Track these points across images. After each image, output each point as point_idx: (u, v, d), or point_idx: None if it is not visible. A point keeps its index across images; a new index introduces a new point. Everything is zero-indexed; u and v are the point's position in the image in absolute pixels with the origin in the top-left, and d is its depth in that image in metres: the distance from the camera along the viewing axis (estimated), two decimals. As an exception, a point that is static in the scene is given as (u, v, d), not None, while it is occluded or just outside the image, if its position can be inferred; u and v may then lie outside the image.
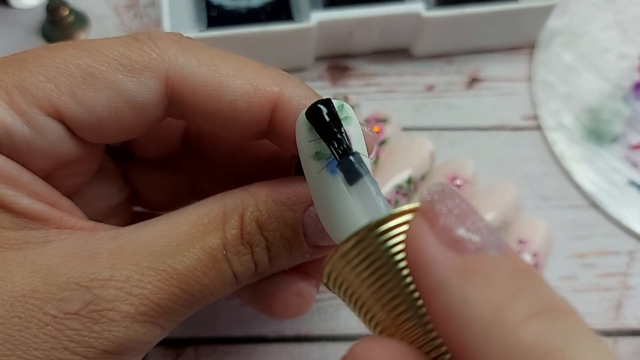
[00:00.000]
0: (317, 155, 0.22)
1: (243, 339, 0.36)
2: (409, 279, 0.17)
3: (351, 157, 0.20)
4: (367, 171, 0.20)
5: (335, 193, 0.22)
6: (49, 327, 0.21)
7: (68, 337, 0.21)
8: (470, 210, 0.17)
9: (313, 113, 0.22)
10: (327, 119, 0.21)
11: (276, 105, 0.24)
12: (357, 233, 0.17)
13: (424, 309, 0.17)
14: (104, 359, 0.22)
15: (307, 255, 0.26)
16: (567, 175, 0.42)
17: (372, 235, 0.17)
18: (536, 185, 0.42)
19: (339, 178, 0.21)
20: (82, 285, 0.21)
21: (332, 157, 0.21)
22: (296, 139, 0.23)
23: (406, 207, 0.18)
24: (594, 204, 0.42)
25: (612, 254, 0.40)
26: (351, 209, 0.22)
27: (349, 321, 0.37)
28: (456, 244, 0.16)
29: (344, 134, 0.21)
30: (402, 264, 0.17)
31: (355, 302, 0.18)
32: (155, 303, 0.22)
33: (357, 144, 0.22)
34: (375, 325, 0.18)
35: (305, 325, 0.37)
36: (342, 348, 0.36)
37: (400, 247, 0.17)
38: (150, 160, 0.31)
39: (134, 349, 0.22)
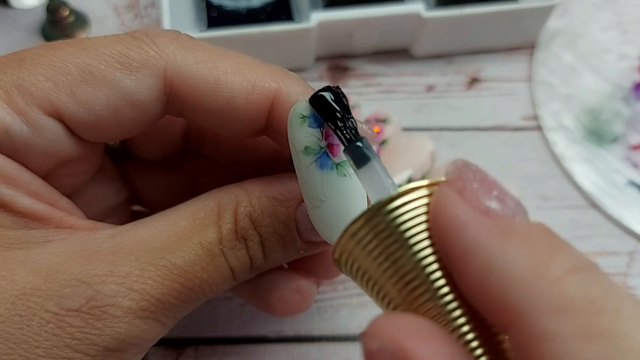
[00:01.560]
0: (307, 150, 0.22)
1: (243, 339, 0.36)
2: (422, 254, 0.17)
3: (359, 143, 0.20)
4: (375, 155, 0.20)
5: (323, 189, 0.22)
6: (51, 324, 0.21)
7: (70, 335, 0.21)
8: (495, 182, 0.18)
9: (318, 99, 0.22)
10: (333, 104, 0.21)
11: (274, 102, 0.24)
12: (366, 211, 0.18)
13: (438, 283, 0.17)
14: (105, 356, 0.22)
15: (302, 251, 0.26)
16: (567, 176, 0.42)
17: (382, 213, 0.18)
18: (536, 186, 0.42)
19: (328, 173, 0.22)
20: (83, 281, 0.21)
21: (322, 151, 0.22)
22: (288, 132, 0.23)
23: (414, 184, 0.18)
24: (594, 205, 0.42)
25: (612, 254, 0.40)
26: (338, 206, 0.22)
27: (349, 321, 0.37)
28: (487, 211, 0.17)
29: (351, 119, 0.21)
30: (415, 239, 0.17)
31: (367, 281, 0.18)
32: (156, 298, 0.22)
33: None
34: (388, 303, 0.18)
35: (305, 325, 0.37)
36: (342, 348, 0.36)
37: (412, 222, 0.17)
38: (150, 161, 0.31)
39: (136, 345, 0.23)
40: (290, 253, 0.26)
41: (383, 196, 0.18)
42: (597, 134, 0.44)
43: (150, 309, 0.22)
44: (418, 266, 0.17)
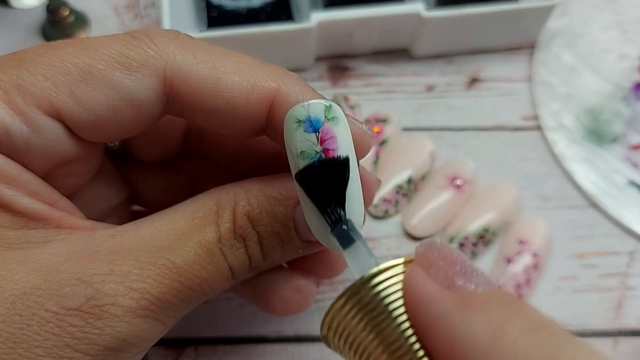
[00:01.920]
0: (302, 155, 0.22)
1: (243, 339, 0.36)
2: (404, 325, 0.19)
3: (344, 226, 0.22)
4: (360, 235, 0.22)
5: None
6: (51, 324, 0.21)
7: (70, 334, 0.21)
8: (459, 257, 0.20)
9: (305, 178, 0.22)
10: (320, 185, 0.22)
11: (274, 102, 0.24)
12: (351, 287, 0.20)
13: (420, 352, 0.19)
14: (106, 356, 0.22)
15: (300, 251, 0.26)
16: (568, 176, 0.42)
17: (366, 288, 0.19)
18: (536, 186, 0.42)
19: None
20: (82, 280, 0.21)
21: (317, 156, 0.22)
22: (284, 136, 0.22)
23: (393, 262, 0.20)
24: (594, 205, 0.42)
25: (612, 254, 0.40)
26: None
27: (349, 321, 0.37)
28: (451, 285, 0.19)
29: (335, 204, 0.22)
30: (397, 311, 0.19)
31: (355, 352, 0.20)
32: (156, 297, 0.22)
33: (344, 145, 0.22)
34: None
35: (305, 325, 0.37)
36: (342, 348, 0.36)
37: (393, 297, 0.19)
38: (150, 161, 0.31)
39: (136, 345, 0.22)
40: (289, 252, 0.26)
41: (366, 272, 0.20)
42: (597, 134, 0.44)
43: (150, 308, 0.22)
44: (402, 336, 0.19)
